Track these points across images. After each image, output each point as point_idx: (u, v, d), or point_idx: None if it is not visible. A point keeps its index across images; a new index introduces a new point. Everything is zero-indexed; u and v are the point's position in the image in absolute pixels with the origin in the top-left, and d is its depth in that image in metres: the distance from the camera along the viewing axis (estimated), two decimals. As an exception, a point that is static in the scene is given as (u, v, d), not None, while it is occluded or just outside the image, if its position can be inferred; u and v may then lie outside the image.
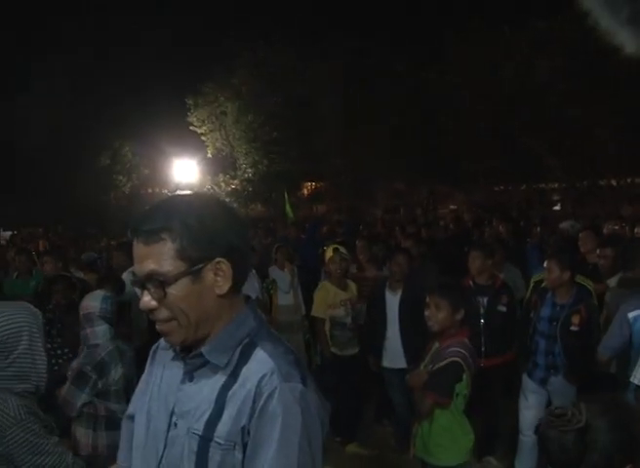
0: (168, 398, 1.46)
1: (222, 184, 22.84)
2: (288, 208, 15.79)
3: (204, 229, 1.33)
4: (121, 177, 26.73)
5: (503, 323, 4.72)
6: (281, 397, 1.28)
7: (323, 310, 5.17)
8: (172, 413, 1.43)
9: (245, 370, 1.35)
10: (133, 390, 1.71)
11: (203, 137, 22.81)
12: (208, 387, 1.38)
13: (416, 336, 4.40)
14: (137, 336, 4.89)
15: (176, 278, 1.31)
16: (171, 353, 1.53)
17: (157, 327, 1.38)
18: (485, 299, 4.76)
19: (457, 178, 21.62)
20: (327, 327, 5.19)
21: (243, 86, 21.85)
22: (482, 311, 4.73)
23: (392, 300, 5.02)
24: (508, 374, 4.87)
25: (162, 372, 1.53)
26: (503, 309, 4.74)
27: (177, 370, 1.48)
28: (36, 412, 2.27)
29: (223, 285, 1.36)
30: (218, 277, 1.35)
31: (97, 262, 8.46)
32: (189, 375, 1.43)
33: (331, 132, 21.12)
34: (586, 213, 13.29)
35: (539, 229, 8.07)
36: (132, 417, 1.60)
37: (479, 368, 4.54)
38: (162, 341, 1.60)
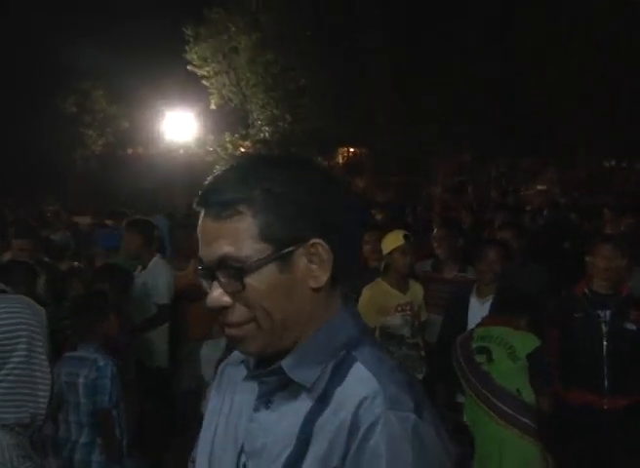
0: (237, 431, 1.47)
1: (229, 146, 23.00)
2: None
3: (296, 200, 1.34)
4: (91, 132, 26.93)
5: (634, 347, 4.67)
6: (386, 430, 1.27)
7: (372, 317, 5.09)
8: (241, 452, 1.44)
9: (339, 393, 1.35)
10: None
11: (205, 82, 22.93)
12: (290, 416, 1.38)
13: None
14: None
15: (258, 264, 1.32)
16: (243, 370, 1.53)
17: (227, 331, 1.40)
18: (607, 313, 4.72)
19: (547, 149, 21.46)
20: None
21: (262, 13, 21.85)
22: (604, 330, 4.70)
23: (479, 310, 4.99)
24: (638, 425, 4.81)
25: (232, 398, 1.54)
26: (633, 328, 4.69)
27: (250, 394, 1.48)
28: (31, 456, 2.26)
29: (320, 275, 1.37)
30: (313, 264, 1.37)
31: (69, 246, 8.61)
32: (266, 400, 1.44)
33: (378, 80, 21.05)
34: None
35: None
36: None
37: (600, 410, 4.58)
38: (233, 356, 1.63)
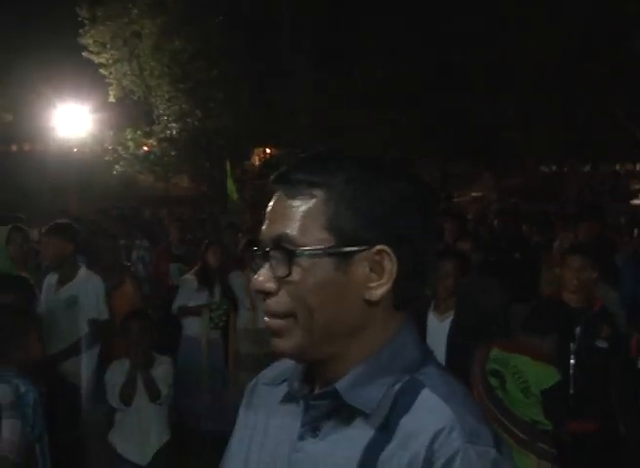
0: (276, 461, 1.45)
1: (131, 144, 22.67)
2: (230, 184, 15.75)
3: (376, 199, 1.36)
4: (-35, 125, 26.27)
5: (604, 367, 4.81)
6: (465, 466, 1.26)
7: None
8: None
9: (406, 423, 1.33)
10: None
11: (103, 71, 22.58)
12: (343, 446, 1.36)
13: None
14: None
15: (313, 253, 1.34)
16: (280, 390, 1.53)
17: (267, 321, 1.42)
18: (577, 329, 4.84)
19: (484, 153, 21.91)
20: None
21: (169, -7, 21.72)
22: (573, 347, 4.81)
23: (438, 328, 5.11)
24: (609, 452, 4.86)
25: (266, 421, 1.53)
26: (604, 346, 4.80)
27: (291, 418, 1.46)
28: None
29: (377, 287, 1.37)
30: (373, 273, 1.36)
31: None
32: (312, 427, 1.42)
33: (300, 74, 21.15)
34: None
35: (637, 233, 8.29)
36: None
37: (566, 434, 4.69)
38: (266, 373, 1.63)
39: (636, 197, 18.69)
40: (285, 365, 1.54)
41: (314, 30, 21.35)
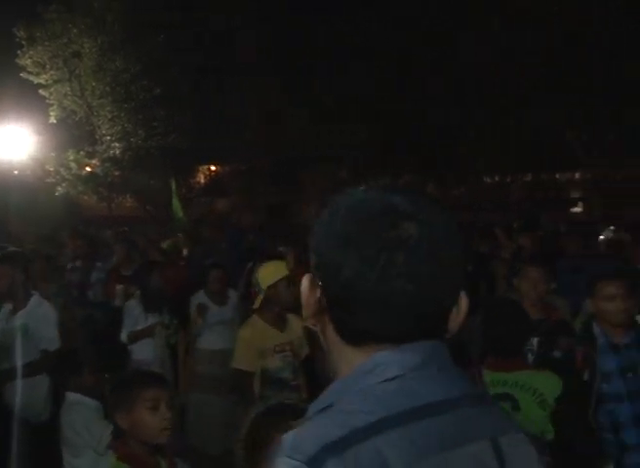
0: None
1: (73, 165, 22.39)
2: (176, 203, 15.64)
3: None
4: None
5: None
6: None
7: (251, 360, 5.17)
8: None
9: None
10: None
11: (43, 92, 22.30)
12: None
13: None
14: None
15: None
16: None
17: None
18: (535, 341, 4.87)
19: (428, 163, 22.15)
20: (257, 385, 5.16)
21: (110, 11, 21.49)
22: (530, 358, 4.82)
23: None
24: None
25: None
26: (559, 355, 4.83)
27: None
28: None
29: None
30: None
31: None
32: None
33: (245, 89, 21.12)
34: (623, 217, 13.70)
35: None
36: None
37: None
38: None
39: (576, 205, 19.01)
40: None
41: (266, 43, 21.38)
